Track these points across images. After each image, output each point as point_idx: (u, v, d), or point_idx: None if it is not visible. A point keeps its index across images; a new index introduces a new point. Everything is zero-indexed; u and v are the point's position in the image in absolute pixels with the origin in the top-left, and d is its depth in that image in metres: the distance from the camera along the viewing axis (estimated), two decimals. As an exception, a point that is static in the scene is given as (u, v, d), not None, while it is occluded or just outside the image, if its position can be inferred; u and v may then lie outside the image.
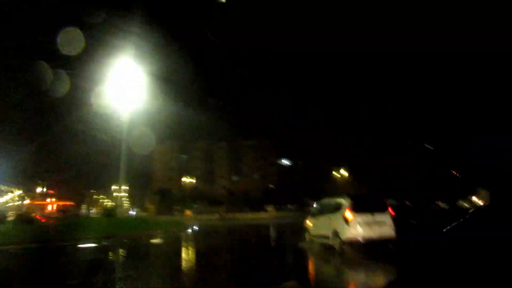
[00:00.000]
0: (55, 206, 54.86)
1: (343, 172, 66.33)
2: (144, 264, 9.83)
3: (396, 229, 9.84)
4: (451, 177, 51.74)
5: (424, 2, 63.23)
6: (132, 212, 71.40)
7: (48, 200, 63.56)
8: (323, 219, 11.13)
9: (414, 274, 3.36)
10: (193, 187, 74.38)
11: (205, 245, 15.60)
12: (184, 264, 10.13)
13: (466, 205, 43.16)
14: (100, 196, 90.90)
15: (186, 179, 72.99)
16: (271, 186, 77.76)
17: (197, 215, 58.31)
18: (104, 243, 15.26)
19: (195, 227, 26.79)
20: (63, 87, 26.77)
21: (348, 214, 9.76)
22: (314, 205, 13.58)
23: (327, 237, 10.50)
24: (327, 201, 11.73)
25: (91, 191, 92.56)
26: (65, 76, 26.26)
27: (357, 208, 9.85)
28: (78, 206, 68.42)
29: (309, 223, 12.24)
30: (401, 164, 50.97)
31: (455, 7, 55.42)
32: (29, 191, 76.29)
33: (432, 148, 49.65)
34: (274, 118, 74.16)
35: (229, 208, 60.78)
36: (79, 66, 27.00)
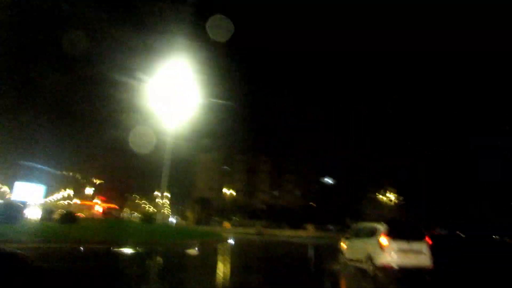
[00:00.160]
0: (101, 208, 57.34)
1: (389, 195, 63.53)
2: (170, 279, 9.18)
3: (433, 259, 9.54)
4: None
5: (424, 2, 61.62)
6: (172, 219, 72.69)
7: (95, 201, 66.65)
8: (358, 243, 11.10)
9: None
10: (233, 199, 74.31)
11: (241, 261, 15.14)
12: (215, 281, 9.30)
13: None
14: (142, 201, 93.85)
15: (226, 191, 73.16)
16: (312, 204, 75.52)
17: (235, 227, 58.01)
18: (139, 249, 15.28)
19: (232, 241, 26.30)
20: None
21: (383, 240, 9.64)
22: (351, 228, 13.53)
23: (361, 261, 10.40)
24: (363, 225, 11.90)
25: (134, 195, 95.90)
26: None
27: (392, 234, 9.70)
28: (121, 209, 71.06)
29: (344, 245, 12.16)
30: (461, 192, 46.61)
31: (455, 7, 55.76)
32: (79, 192, 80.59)
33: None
34: (317, 134, 71.86)
35: (268, 223, 59.97)
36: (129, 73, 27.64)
